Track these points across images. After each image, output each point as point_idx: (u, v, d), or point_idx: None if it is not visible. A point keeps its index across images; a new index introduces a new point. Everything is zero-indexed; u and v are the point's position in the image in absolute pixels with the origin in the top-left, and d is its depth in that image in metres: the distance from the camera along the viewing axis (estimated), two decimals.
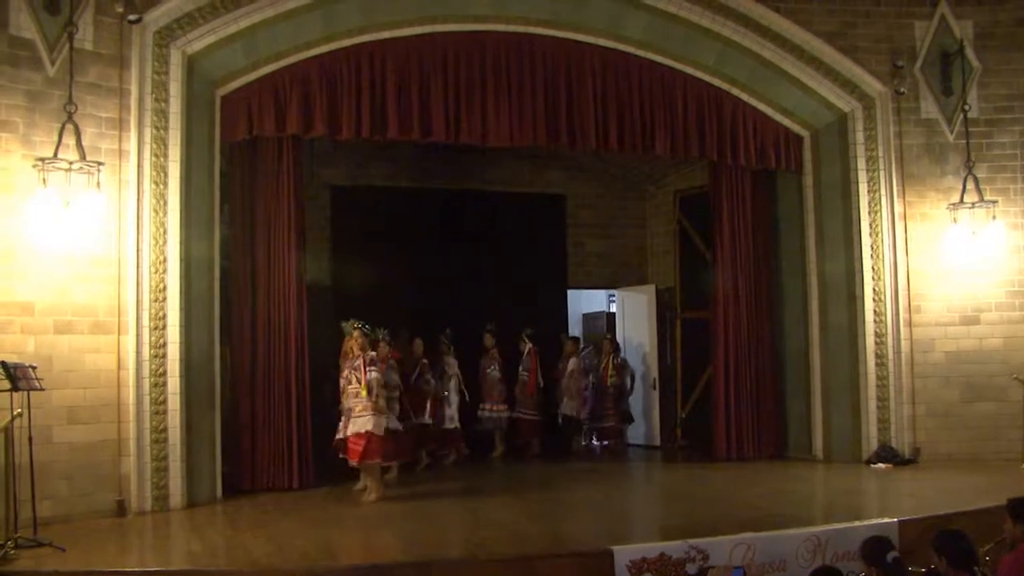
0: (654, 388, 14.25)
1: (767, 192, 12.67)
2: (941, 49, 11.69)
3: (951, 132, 11.68)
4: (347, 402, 9.55)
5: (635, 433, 14.35)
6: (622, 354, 14.13)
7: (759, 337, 12.35)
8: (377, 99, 10.28)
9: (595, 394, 13.78)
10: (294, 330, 10.37)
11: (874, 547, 5.61)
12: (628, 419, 14.05)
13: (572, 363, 13.57)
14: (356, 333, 9.59)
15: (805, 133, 12.18)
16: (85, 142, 8.60)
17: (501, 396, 12.98)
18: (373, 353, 9.64)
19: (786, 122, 12.06)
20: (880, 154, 11.59)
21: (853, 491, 10.11)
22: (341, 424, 9.64)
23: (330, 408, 10.46)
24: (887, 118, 11.63)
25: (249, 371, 10.32)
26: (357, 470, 9.87)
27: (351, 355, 9.70)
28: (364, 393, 9.32)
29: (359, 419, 9.36)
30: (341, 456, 9.82)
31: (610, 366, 13.74)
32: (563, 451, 13.43)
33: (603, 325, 16.06)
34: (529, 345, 13.25)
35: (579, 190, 15.07)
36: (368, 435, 9.33)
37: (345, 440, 9.55)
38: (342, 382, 9.74)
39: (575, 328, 16.02)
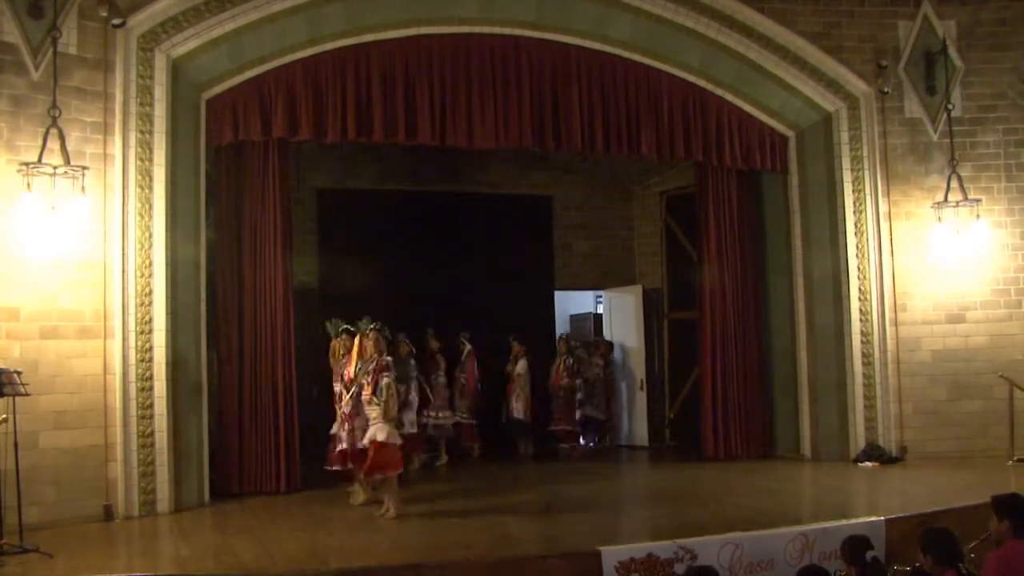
0: (642, 388, 14.22)
1: (753, 192, 12.70)
2: (925, 48, 11.74)
3: (935, 131, 11.73)
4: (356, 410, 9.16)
5: (623, 433, 14.36)
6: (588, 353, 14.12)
7: (746, 337, 12.38)
8: (362, 102, 10.26)
9: (547, 397, 13.52)
10: (281, 333, 10.37)
11: (854, 546, 5.65)
12: (593, 423, 13.93)
13: (520, 365, 13.22)
14: (373, 334, 9.19)
15: (790, 133, 12.21)
16: (70, 146, 8.56)
17: (445, 403, 12.63)
18: (389, 357, 9.23)
19: (771, 122, 12.10)
20: (865, 153, 11.65)
21: (841, 490, 10.14)
22: (346, 433, 9.29)
23: (319, 410, 10.38)
24: (871, 118, 11.68)
25: (236, 374, 10.31)
26: (347, 474, 9.68)
27: (357, 357, 9.27)
28: (375, 400, 8.82)
29: (373, 427, 8.87)
30: (341, 468, 9.60)
31: (560, 367, 13.49)
32: (507, 455, 13.06)
33: (590, 326, 16.00)
34: (468, 347, 12.95)
35: (566, 192, 15.07)
36: (382, 445, 8.75)
37: (355, 451, 9.21)
38: (339, 388, 9.48)
39: (562, 329, 15.86)
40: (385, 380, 8.85)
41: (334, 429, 9.69)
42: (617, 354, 14.53)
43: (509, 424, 13.25)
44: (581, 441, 14.04)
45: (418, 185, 13.82)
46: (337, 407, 9.61)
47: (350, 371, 9.37)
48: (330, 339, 9.97)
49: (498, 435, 13.29)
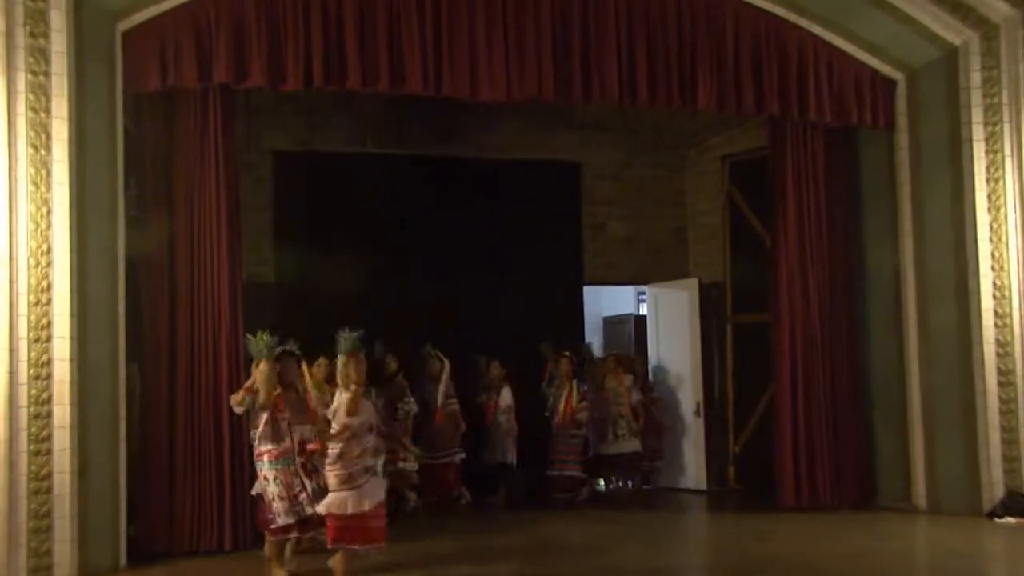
0: (697, 414, 14.20)
1: (846, 155, 12.60)
2: None
3: None
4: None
5: (674, 474, 14.34)
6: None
7: (836, 347, 12.27)
8: (333, 38, 10.17)
9: (553, 433, 13.30)
10: (226, 340, 10.24)
11: None
12: (627, 460, 13.85)
13: (505, 395, 13.03)
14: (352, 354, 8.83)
15: (899, 76, 12.06)
16: None
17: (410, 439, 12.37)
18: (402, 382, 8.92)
19: (873, 62, 11.94)
20: (1004, 101, 11.31)
21: (971, 553, 9.98)
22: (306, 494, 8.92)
23: None
24: (1015, 53, 11.30)
25: (167, 396, 10.16)
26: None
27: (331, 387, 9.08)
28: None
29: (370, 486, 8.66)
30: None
31: (573, 396, 13.25)
32: (509, 503, 13.00)
33: (630, 332, 16.24)
34: (445, 363, 12.72)
35: (598, 157, 15.03)
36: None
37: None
38: (301, 434, 9.04)
39: (593, 336, 16.02)
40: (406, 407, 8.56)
41: (274, 490, 9.00)
42: (670, 370, 14.52)
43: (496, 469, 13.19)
44: (600, 485, 14.16)
45: (404, 148, 13.79)
46: (290, 463, 9.07)
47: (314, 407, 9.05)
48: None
49: (491, 478, 13.27)
